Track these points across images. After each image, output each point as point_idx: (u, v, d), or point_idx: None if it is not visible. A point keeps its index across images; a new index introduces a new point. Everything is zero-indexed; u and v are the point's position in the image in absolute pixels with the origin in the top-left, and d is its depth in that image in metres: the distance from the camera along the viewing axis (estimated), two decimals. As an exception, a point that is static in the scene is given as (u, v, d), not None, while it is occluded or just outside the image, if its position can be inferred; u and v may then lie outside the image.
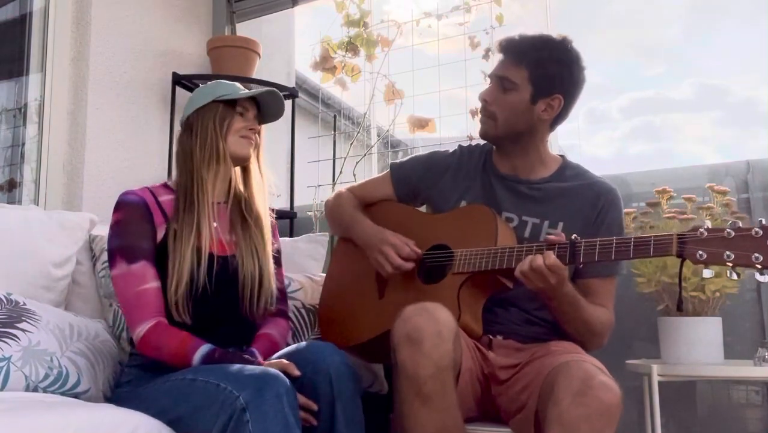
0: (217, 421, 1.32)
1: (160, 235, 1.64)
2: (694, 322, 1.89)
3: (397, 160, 1.99)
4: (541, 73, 1.63)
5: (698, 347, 1.87)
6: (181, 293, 1.57)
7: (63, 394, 1.60)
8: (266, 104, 1.77)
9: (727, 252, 1.26)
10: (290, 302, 2.06)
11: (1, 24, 2.71)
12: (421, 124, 2.90)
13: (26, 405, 1.39)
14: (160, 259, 1.62)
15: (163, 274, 1.60)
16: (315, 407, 1.46)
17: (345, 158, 3.04)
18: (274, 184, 1.86)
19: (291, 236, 2.77)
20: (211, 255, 1.64)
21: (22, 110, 2.62)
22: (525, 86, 1.63)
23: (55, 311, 1.77)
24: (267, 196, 1.81)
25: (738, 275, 1.28)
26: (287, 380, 1.37)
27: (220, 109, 1.71)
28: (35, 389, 1.56)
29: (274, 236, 1.85)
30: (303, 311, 2.08)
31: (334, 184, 3.02)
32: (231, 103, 1.72)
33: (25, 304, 1.69)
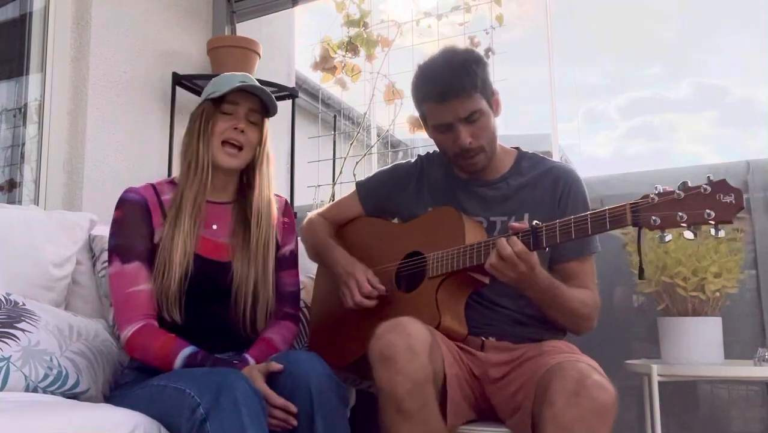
0: (182, 429, 1.31)
1: (157, 236, 1.61)
2: (694, 322, 1.89)
3: (362, 179, 2.01)
4: (484, 86, 1.66)
5: (698, 347, 1.87)
6: (169, 289, 1.54)
7: (62, 394, 1.60)
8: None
9: (680, 213, 1.26)
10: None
11: (1, 24, 2.71)
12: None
13: (26, 405, 1.39)
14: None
15: None
16: (294, 408, 1.42)
17: (345, 158, 3.04)
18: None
19: (291, 236, 2.77)
20: (200, 258, 1.61)
21: (22, 110, 2.62)
22: (484, 105, 1.65)
23: (54, 311, 1.77)
24: (273, 198, 1.73)
25: (695, 234, 1.27)
26: (248, 386, 1.33)
27: (205, 109, 1.62)
28: (35, 390, 1.56)
29: (289, 234, 1.81)
30: (306, 309, 2.08)
31: (334, 184, 3.02)
32: (218, 101, 1.61)
33: (24, 304, 1.69)
